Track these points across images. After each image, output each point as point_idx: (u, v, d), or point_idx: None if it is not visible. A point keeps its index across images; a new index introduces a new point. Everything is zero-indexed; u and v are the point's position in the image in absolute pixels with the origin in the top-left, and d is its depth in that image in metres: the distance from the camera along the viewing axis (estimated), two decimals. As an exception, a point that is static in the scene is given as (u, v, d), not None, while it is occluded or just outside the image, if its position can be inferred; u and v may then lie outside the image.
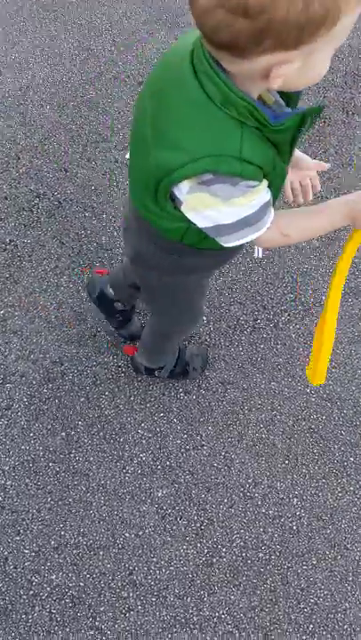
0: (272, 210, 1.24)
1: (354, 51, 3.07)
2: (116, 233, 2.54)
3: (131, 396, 2.24)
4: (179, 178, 1.12)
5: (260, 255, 1.33)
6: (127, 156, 1.42)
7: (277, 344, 2.37)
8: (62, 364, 2.28)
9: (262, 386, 2.29)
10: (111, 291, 2.18)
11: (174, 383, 2.27)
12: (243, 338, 2.37)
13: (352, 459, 2.17)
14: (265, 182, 1.16)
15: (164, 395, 2.25)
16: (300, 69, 0.96)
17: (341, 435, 2.21)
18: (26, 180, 2.63)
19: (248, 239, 1.24)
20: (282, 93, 1.19)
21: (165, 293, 1.68)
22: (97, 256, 2.49)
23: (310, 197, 1.55)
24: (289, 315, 2.42)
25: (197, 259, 1.46)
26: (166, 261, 1.48)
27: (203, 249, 1.37)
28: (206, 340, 2.36)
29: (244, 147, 1.06)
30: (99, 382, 2.26)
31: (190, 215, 1.20)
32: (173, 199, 1.20)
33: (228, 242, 1.24)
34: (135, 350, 2.23)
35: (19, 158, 2.68)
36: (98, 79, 2.91)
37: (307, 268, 2.52)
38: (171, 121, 1.12)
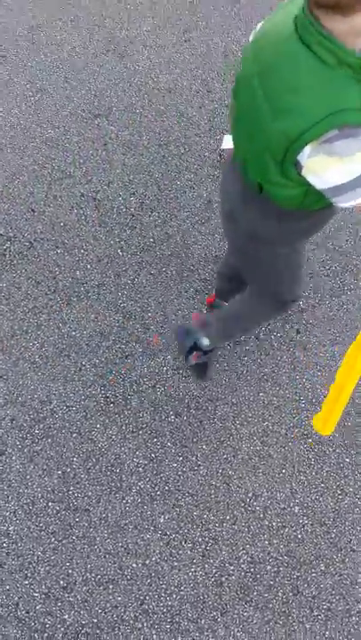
0: None
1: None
2: (89, 266, 2.57)
3: (122, 426, 2.26)
4: (306, 141, 1.22)
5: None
6: (224, 147, 1.56)
7: (261, 355, 2.38)
8: (51, 403, 2.29)
9: (251, 398, 2.30)
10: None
11: (163, 407, 2.28)
12: (226, 353, 2.39)
13: (348, 459, 2.18)
14: None
15: (154, 420, 2.27)
16: None
17: (334, 437, 2.22)
18: (-5, 225, 2.66)
19: None
20: None
21: (280, 263, 1.74)
22: (73, 291, 2.51)
23: None
24: (269, 325, 2.44)
25: (310, 221, 1.56)
26: (282, 231, 1.57)
27: (316, 211, 1.50)
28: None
29: None
30: (89, 416, 2.27)
31: (311, 178, 1.30)
32: (295, 165, 1.30)
33: (344, 201, 1.33)
34: (199, 316, 2.09)
35: (-15, 205, 2.71)
36: (54, 117, 2.95)
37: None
38: (289, 91, 1.23)
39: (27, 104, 2.98)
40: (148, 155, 2.83)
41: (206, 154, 2.82)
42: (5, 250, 2.60)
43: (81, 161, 2.83)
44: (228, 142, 1.59)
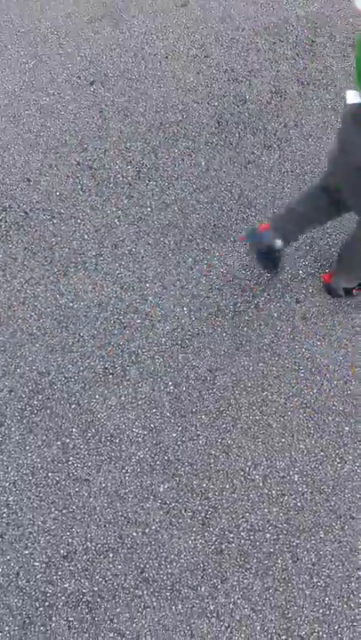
0: None
1: (301, 20, 3.05)
2: (86, 236, 2.54)
3: (121, 397, 2.25)
4: None
5: None
6: (350, 102, 1.66)
7: (260, 325, 2.37)
8: (49, 374, 2.28)
9: (250, 368, 2.29)
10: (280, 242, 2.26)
11: (162, 377, 2.27)
12: (225, 323, 2.37)
13: (347, 428, 2.18)
14: None
15: (153, 390, 2.25)
16: None
17: (334, 405, 2.21)
18: (-10, 195, 2.63)
19: None
20: None
21: None
22: (70, 262, 2.48)
23: None
24: (268, 294, 2.42)
25: None
26: None
27: None
28: (189, 330, 2.35)
29: None
30: (87, 387, 2.26)
31: None
32: None
33: None
34: (331, 276, 2.37)
35: (-20, 175, 2.67)
36: (50, 85, 2.89)
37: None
38: None
39: (21, 71, 2.92)
40: (145, 122, 2.78)
41: (204, 120, 2.77)
42: (1, 220, 2.57)
43: (77, 129, 2.78)
44: (352, 97, 1.67)
